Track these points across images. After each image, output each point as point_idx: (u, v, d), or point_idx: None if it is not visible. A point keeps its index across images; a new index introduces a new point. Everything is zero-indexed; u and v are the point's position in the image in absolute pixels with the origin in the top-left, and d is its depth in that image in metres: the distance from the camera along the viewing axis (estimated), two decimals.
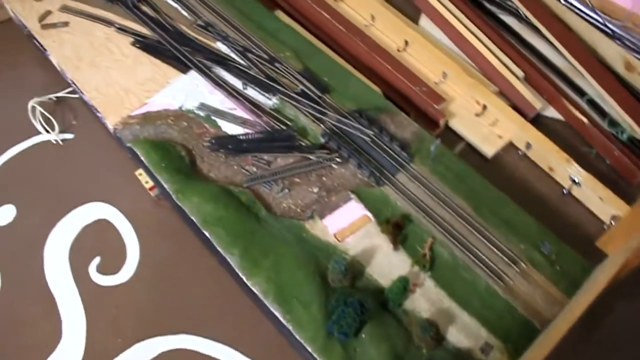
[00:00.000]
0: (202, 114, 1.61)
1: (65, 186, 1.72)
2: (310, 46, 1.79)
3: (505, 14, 2.03)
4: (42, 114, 1.85)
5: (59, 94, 1.90)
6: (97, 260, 1.59)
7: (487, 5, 2.05)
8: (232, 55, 1.74)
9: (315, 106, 1.59)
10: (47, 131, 1.82)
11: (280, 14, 2.00)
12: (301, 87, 1.64)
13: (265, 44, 1.75)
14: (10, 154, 1.81)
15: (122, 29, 1.83)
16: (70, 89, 1.88)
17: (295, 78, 1.65)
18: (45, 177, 1.75)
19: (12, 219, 1.68)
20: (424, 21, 2.02)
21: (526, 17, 1.94)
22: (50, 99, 1.89)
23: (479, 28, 1.94)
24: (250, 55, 1.71)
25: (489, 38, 1.90)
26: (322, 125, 1.57)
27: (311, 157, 1.50)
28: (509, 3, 2.03)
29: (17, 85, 1.98)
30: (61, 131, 1.85)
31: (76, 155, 1.78)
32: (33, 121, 1.83)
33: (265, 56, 1.71)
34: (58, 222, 1.66)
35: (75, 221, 1.66)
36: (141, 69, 1.73)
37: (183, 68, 1.71)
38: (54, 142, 1.81)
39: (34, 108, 1.83)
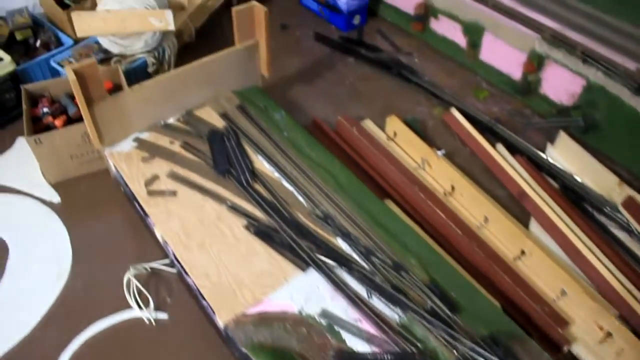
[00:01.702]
0: (323, 322, 1.49)
1: None
2: (434, 254, 1.70)
3: (615, 227, 1.96)
4: (136, 286, 1.71)
5: (154, 265, 1.78)
6: None
7: (596, 215, 1.99)
8: (354, 255, 1.63)
9: (447, 328, 1.47)
10: (141, 307, 1.68)
11: (390, 203, 1.93)
12: (430, 303, 1.53)
13: (388, 247, 1.66)
14: (96, 327, 1.66)
15: (235, 208, 1.74)
16: (167, 261, 1.77)
17: (423, 292, 1.54)
18: None
19: None
20: (534, 226, 1.95)
21: (638, 232, 1.88)
22: (145, 269, 1.77)
23: (592, 240, 1.86)
24: (374, 258, 1.61)
25: (604, 253, 1.82)
26: (455, 352, 1.44)
27: None
28: (619, 215, 1.97)
29: (109, 245, 1.90)
30: (154, 308, 1.70)
31: (170, 341, 1.64)
32: (127, 294, 1.70)
33: (389, 261, 1.61)
34: None
35: None
36: (256, 259, 1.63)
37: (301, 264, 1.61)
38: (147, 320, 1.67)
39: (129, 280, 1.70)
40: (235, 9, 1.96)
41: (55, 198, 2.04)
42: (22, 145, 2.21)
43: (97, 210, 2.00)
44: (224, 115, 2.05)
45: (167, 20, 2.18)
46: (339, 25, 2.75)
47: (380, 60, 2.56)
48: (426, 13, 2.61)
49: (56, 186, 2.08)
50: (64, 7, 2.51)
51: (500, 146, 2.17)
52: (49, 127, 2.04)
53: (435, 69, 2.57)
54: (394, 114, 2.25)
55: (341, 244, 1.68)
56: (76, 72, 1.72)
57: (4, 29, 2.38)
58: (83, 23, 2.21)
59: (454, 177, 2.00)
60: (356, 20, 2.74)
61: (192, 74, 1.98)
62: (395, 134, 2.18)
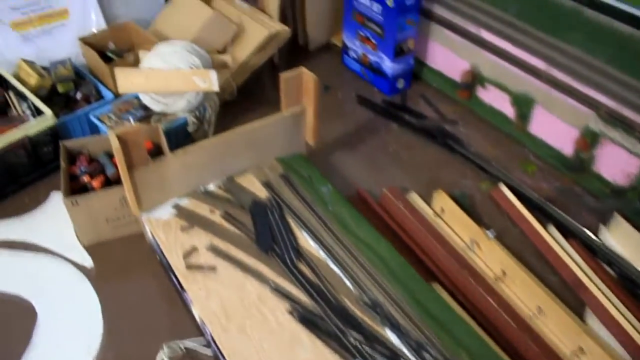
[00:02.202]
0: None
1: None
2: (485, 348, 1.60)
3: None
4: None
5: (189, 345, 1.68)
6: None
7: None
8: (404, 349, 1.52)
9: None
10: None
11: (437, 286, 1.82)
12: None
13: (439, 340, 1.55)
14: None
15: (278, 290, 1.64)
16: (203, 342, 1.67)
17: None
18: None
19: None
20: (591, 317, 1.82)
21: None
22: (180, 348, 1.66)
23: None
24: (425, 354, 1.50)
25: None
26: None
27: None
28: None
29: (142, 317, 1.81)
30: None
31: None
32: None
33: (441, 358, 1.50)
34: None
35: None
36: (300, 349, 1.53)
37: (348, 356, 1.51)
38: None
39: None
40: (283, 76, 1.90)
41: (88, 262, 1.96)
42: (56, 201, 2.16)
43: (131, 278, 1.93)
44: (267, 185, 1.97)
45: (211, 81, 2.13)
46: (383, 89, 2.69)
47: (425, 128, 2.49)
48: (473, 81, 2.54)
49: (89, 248, 2.01)
50: (107, 59, 2.49)
51: (552, 228, 2.06)
52: (85, 187, 1.99)
53: (481, 138, 2.49)
54: (439, 186, 2.18)
55: (390, 335, 1.57)
56: (119, 138, 1.66)
57: (46, 80, 2.34)
58: (126, 80, 2.17)
59: (505, 261, 1.90)
60: (400, 84, 2.68)
61: (236, 140, 1.92)
62: (442, 210, 2.09)
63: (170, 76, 2.14)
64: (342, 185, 2.20)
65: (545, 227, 2.07)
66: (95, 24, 2.66)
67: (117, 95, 2.34)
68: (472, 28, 2.44)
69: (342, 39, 2.88)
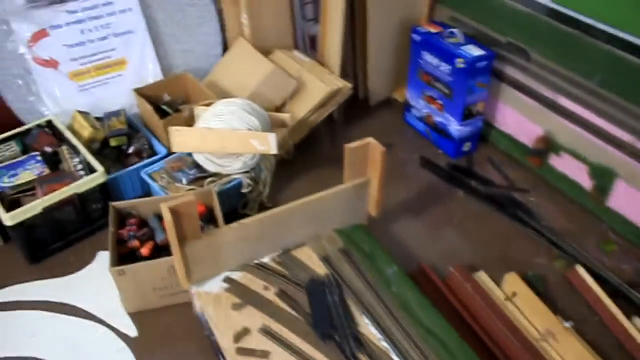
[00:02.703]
0: None
1: None
2: None
3: None
4: None
5: None
6: None
7: None
8: None
9: None
10: None
11: None
12: None
13: None
14: None
15: None
16: None
17: None
18: None
19: None
20: None
21: None
22: None
23: None
24: None
25: None
26: None
27: None
28: None
29: None
30: None
31: None
32: None
33: None
34: None
35: None
36: None
37: None
38: None
39: None
40: (348, 147, 1.77)
41: (132, 331, 1.85)
42: (102, 262, 2.07)
43: (176, 351, 1.82)
44: (326, 260, 1.83)
45: (270, 145, 2.02)
46: (448, 151, 2.53)
47: (493, 197, 2.31)
48: (547, 148, 2.35)
49: (134, 316, 1.90)
50: (162, 113, 2.40)
51: (637, 320, 1.85)
52: (134, 252, 1.88)
53: (554, 210, 2.31)
54: (510, 264, 2.03)
55: None
56: (172, 211, 1.54)
57: (100, 133, 2.28)
58: (181, 139, 2.09)
59: (583, 355, 1.73)
60: (466, 147, 2.51)
61: (296, 212, 1.78)
62: (514, 294, 1.90)
63: (227, 137, 2.04)
64: (404, 258, 2.04)
65: (629, 317, 1.85)
66: (153, 74, 2.59)
67: (170, 152, 2.24)
68: (548, 93, 2.27)
69: (405, 96, 2.74)
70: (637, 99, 1.96)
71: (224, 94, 2.42)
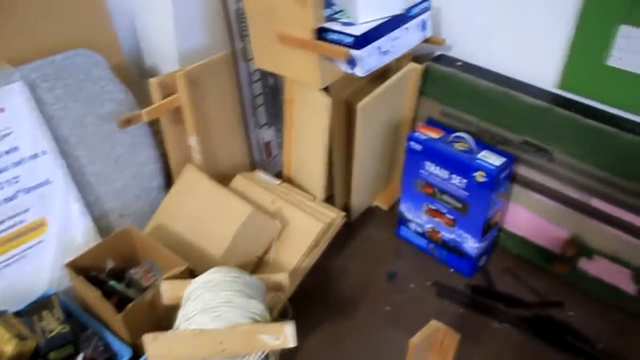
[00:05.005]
0: None
1: None
2: None
3: None
4: None
5: None
6: None
7: None
8: None
9: None
10: None
11: None
12: None
13: None
14: None
15: None
16: None
17: None
18: None
19: None
20: None
21: None
22: None
23: None
24: None
25: None
26: None
27: None
28: None
29: None
30: None
31: None
32: None
33: None
34: None
35: None
36: None
37: None
38: None
39: None
40: (413, 341, 1.31)
41: None
42: None
43: None
44: None
45: (286, 337, 1.50)
46: (462, 270, 2.13)
47: (527, 321, 1.95)
48: (576, 253, 2.02)
49: None
50: (109, 290, 1.79)
51: None
52: None
53: (596, 322, 2.02)
54: None
55: None
56: None
57: (29, 343, 1.66)
58: (161, 348, 1.50)
59: None
60: (482, 261, 2.12)
61: None
62: None
63: (227, 338, 1.49)
64: None
65: None
66: (83, 230, 1.99)
67: (136, 352, 1.65)
68: (575, 194, 1.93)
69: (397, 207, 2.30)
70: None
71: (187, 249, 1.88)
